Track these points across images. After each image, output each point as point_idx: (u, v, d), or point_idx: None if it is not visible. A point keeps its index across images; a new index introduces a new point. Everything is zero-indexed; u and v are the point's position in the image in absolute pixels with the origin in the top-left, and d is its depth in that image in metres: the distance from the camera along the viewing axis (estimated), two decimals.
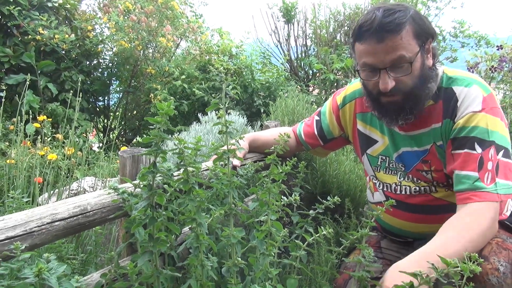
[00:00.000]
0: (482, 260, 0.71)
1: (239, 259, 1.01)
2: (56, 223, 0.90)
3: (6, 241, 0.80)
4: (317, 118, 1.54)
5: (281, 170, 1.18)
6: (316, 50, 4.42)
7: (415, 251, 1.02)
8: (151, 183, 0.92)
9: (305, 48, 4.61)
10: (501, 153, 1.12)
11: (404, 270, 0.87)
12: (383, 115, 1.23)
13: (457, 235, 1.02)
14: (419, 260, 0.98)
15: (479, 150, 1.11)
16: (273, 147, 1.17)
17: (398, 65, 1.13)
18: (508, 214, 1.20)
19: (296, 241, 1.15)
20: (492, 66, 3.80)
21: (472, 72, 3.93)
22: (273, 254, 1.09)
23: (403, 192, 1.30)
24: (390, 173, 1.34)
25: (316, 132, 1.53)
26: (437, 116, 1.20)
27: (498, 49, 3.94)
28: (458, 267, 0.67)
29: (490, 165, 1.10)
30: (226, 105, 0.99)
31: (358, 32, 1.16)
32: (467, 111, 1.14)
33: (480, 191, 1.08)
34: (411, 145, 1.27)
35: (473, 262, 0.68)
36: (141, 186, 0.97)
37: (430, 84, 1.18)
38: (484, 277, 0.97)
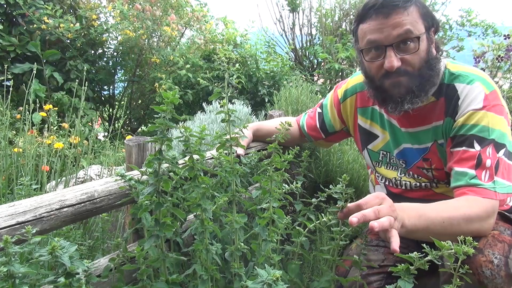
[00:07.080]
0: (475, 251, 0.71)
1: (242, 244, 1.03)
2: (65, 209, 0.93)
3: (17, 225, 0.83)
4: (319, 110, 1.55)
5: (283, 159, 1.20)
6: (321, 39, 4.39)
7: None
8: (157, 169, 0.94)
9: (310, 37, 4.58)
10: (501, 151, 1.09)
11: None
12: (387, 100, 1.17)
13: (437, 208, 1.00)
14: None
15: (477, 147, 1.09)
16: (274, 136, 1.19)
17: (405, 41, 1.09)
18: (511, 204, 1.19)
19: (297, 227, 1.17)
20: (499, 56, 3.75)
21: (479, 61, 3.90)
22: (275, 240, 1.11)
23: (404, 187, 1.30)
24: (391, 168, 1.34)
25: (318, 125, 1.54)
26: (439, 113, 1.18)
27: (505, 38, 3.89)
28: (452, 249, 0.68)
29: (489, 162, 1.07)
30: (229, 94, 1.01)
31: (363, 12, 1.13)
32: (468, 109, 1.11)
33: (477, 187, 1.06)
34: (412, 142, 1.25)
35: (468, 245, 0.69)
36: (148, 173, 0.99)
37: (436, 73, 1.15)
38: (478, 270, 0.96)
